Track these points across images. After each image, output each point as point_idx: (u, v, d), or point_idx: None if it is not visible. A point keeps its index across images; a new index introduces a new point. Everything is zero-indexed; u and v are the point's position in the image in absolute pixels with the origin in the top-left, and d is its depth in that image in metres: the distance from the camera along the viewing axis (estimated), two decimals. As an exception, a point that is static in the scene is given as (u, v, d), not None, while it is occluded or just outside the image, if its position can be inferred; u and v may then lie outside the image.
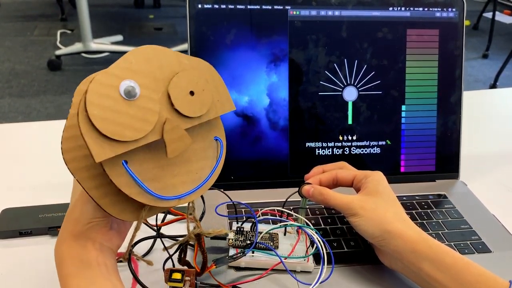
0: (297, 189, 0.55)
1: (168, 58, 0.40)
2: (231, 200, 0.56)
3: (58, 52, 2.88)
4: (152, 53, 0.39)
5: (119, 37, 3.15)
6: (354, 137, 0.67)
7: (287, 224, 0.53)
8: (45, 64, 2.81)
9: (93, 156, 0.35)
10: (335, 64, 0.66)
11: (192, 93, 0.39)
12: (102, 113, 0.35)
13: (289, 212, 0.54)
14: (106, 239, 0.43)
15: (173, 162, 0.40)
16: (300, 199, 0.55)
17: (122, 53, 0.44)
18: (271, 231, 0.53)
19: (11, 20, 3.56)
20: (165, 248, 0.48)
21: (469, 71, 2.95)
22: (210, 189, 0.59)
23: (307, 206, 0.57)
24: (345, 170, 0.56)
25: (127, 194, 0.38)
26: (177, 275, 0.47)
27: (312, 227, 0.52)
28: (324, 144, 0.67)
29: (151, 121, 0.37)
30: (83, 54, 2.86)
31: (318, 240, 0.50)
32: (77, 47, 2.86)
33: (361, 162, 0.67)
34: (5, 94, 2.51)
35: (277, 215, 0.56)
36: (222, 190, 0.57)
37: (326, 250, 0.50)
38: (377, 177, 0.53)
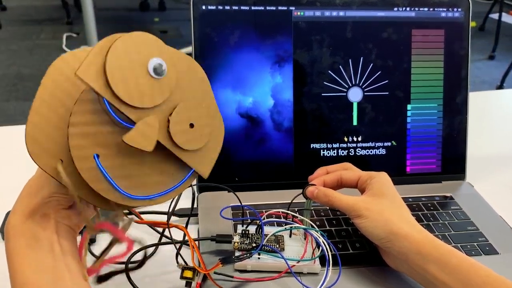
0: (301, 190, 0.54)
1: (203, 87, 0.39)
2: (240, 202, 0.56)
3: (64, 56, 2.89)
4: (198, 72, 0.39)
5: (125, 40, 3.16)
6: (359, 138, 0.67)
7: (292, 227, 0.52)
8: (51, 68, 2.82)
9: (79, 68, 0.33)
10: (339, 65, 0.65)
11: (192, 125, 0.38)
12: (122, 56, 0.34)
13: (294, 214, 0.54)
14: (63, 217, 0.40)
15: (147, 160, 0.38)
16: (304, 200, 0.54)
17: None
18: (276, 233, 0.52)
19: (17, 24, 3.59)
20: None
21: (475, 73, 2.94)
22: (217, 189, 0.60)
23: (312, 208, 0.56)
24: (349, 171, 0.56)
25: (95, 189, 0.36)
26: (189, 273, 0.47)
27: (317, 229, 0.51)
28: (329, 145, 0.66)
29: (145, 102, 0.36)
30: (89, 58, 2.87)
31: (324, 242, 0.50)
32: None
33: (366, 163, 0.67)
34: (11, 97, 2.53)
35: (282, 216, 0.55)
36: (232, 191, 0.56)
37: (331, 252, 0.50)
38: (382, 178, 0.53)
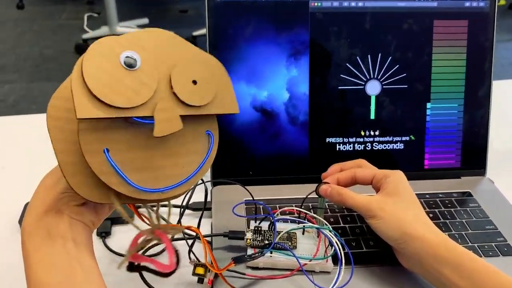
0: (315, 185, 0.54)
1: (181, 47, 0.39)
2: (252, 197, 0.55)
3: (85, 36, 2.91)
4: (165, 37, 0.39)
5: (145, 20, 3.16)
6: (377, 133, 0.65)
7: (304, 226, 0.52)
8: (72, 48, 2.85)
9: (75, 111, 0.34)
10: (357, 57, 0.64)
11: (195, 82, 0.38)
12: (96, 73, 0.35)
13: (308, 212, 0.53)
14: (77, 213, 0.40)
15: (158, 153, 0.39)
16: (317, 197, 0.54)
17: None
18: (289, 231, 0.52)
19: (39, 4, 3.62)
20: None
21: (504, 54, 2.84)
22: (229, 183, 0.60)
23: (326, 205, 0.56)
24: (364, 169, 0.55)
25: (106, 183, 0.37)
26: (201, 270, 0.48)
27: (330, 228, 0.51)
28: (345, 140, 0.65)
29: (144, 96, 0.36)
30: (110, 38, 2.89)
31: (336, 242, 0.49)
32: (103, 30, 2.89)
33: (383, 158, 0.66)
34: (34, 78, 2.57)
35: (295, 213, 0.55)
36: (244, 187, 0.56)
37: (344, 250, 0.49)
38: (397, 177, 0.52)
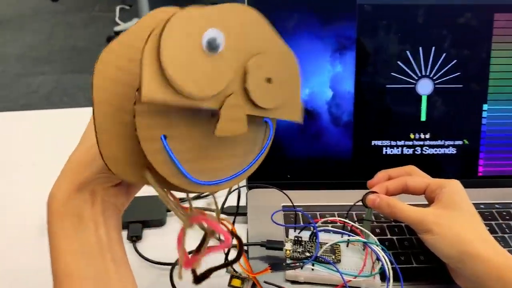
0: (360, 192, 0.49)
1: (264, 33, 0.34)
2: (292, 204, 0.52)
3: (116, 29, 2.92)
4: (252, 18, 0.33)
5: (176, 13, 3.15)
6: (427, 136, 0.60)
7: (349, 240, 0.48)
8: (104, 41, 2.86)
9: (141, 91, 0.29)
10: (408, 54, 0.59)
11: (269, 80, 0.33)
12: (174, 52, 0.30)
13: (353, 223, 0.49)
14: (111, 195, 0.37)
15: (217, 143, 0.34)
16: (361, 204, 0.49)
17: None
18: (333, 243, 0.48)
19: (73, -4, 3.65)
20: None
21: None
22: (264, 187, 0.56)
23: (373, 219, 0.51)
24: (415, 177, 0.50)
25: (161, 174, 0.33)
26: (237, 282, 0.45)
27: (378, 243, 0.46)
28: (393, 143, 0.60)
29: (217, 87, 0.31)
30: (141, 30, 2.89)
31: (385, 258, 0.45)
32: (134, 23, 2.89)
33: (433, 163, 0.61)
34: (67, 70, 2.59)
35: (337, 222, 0.51)
36: (283, 192, 0.52)
37: (392, 265, 0.45)
38: (454, 187, 0.47)
